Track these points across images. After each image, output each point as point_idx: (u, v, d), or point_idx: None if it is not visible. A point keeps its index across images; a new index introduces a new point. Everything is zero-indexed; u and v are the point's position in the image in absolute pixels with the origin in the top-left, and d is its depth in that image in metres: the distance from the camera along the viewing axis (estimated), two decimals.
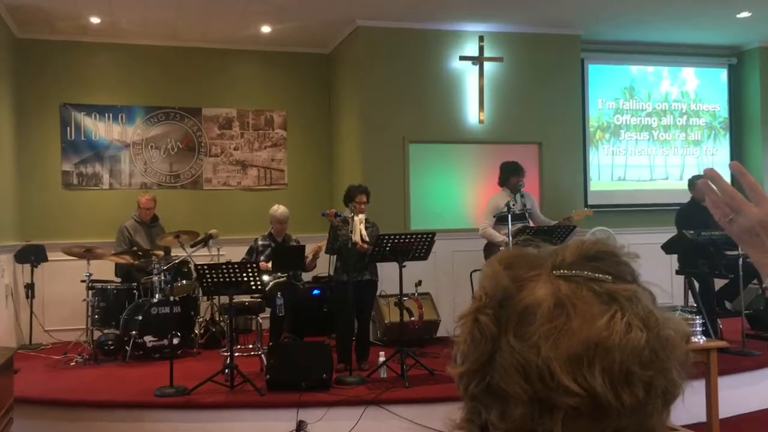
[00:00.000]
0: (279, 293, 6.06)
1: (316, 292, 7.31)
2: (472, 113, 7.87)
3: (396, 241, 5.69)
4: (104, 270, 7.19)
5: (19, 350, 6.41)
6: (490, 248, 6.84)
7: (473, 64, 7.86)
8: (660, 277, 0.77)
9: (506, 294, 0.78)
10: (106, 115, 8.21)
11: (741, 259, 6.11)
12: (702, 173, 1.12)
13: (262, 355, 5.89)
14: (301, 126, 8.81)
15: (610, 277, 0.77)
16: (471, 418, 0.80)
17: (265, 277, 6.21)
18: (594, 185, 8.70)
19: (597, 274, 0.77)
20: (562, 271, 0.78)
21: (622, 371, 0.72)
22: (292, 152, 8.79)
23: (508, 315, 0.77)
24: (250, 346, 6.34)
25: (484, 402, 0.78)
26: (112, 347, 6.51)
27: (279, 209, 6.77)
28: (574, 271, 0.78)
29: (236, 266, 5.44)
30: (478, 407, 0.79)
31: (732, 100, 9.28)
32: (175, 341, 6.24)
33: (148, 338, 6.47)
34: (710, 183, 1.11)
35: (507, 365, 0.75)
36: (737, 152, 9.24)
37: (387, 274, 6.34)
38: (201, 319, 7.25)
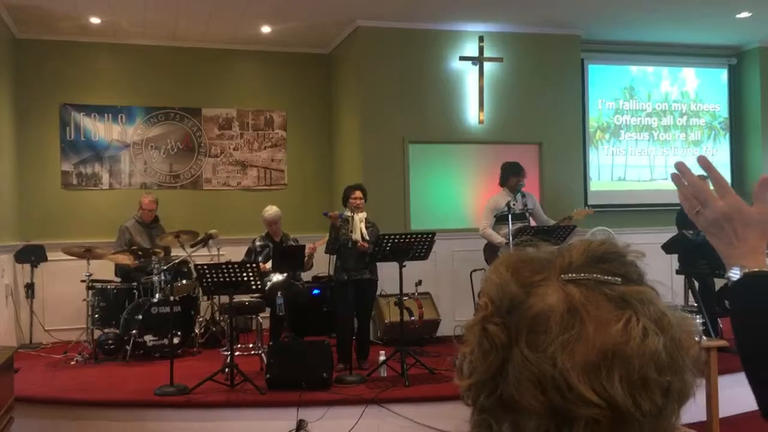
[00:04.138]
0: (279, 293, 6.06)
1: (316, 291, 7.31)
2: (472, 113, 7.88)
3: (396, 241, 5.69)
4: (104, 270, 7.19)
5: (20, 350, 6.40)
6: (490, 249, 6.84)
7: (473, 64, 7.86)
8: (660, 277, 0.78)
9: (514, 301, 0.75)
10: (106, 115, 8.21)
11: None
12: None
13: (263, 355, 5.89)
14: (301, 126, 8.81)
15: (619, 279, 0.75)
16: (481, 430, 0.76)
17: (277, 276, 6.22)
18: (594, 185, 8.70)
19: (606, 277, 0.75)
20: (570, 274, 0.75)
21: (641, 378, 0.70)
22: (292, 152, 8.79)
23: (518, 323, 0.74)
24: (251, 345, 6.35)
25: (494, 414, 0.74)
26: (112, 346, 6.52)
27: (269, 211, 6.72)
28: (582, 274, 0.75)
29: (236, 266, 5.45)
30: (488, 419, 0.75)
31: (732, 100, 9.28)
32: (176, 340, 6.25)
33: (148, 337, 6.47)
34: (680, 176, 1.15)
35: (521, 377, 0.71)
36: (737, 152, 9.25)
37: (387, 274, 6.34)
38: (201, 319, 7.26)
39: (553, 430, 0.71)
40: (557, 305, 0.73)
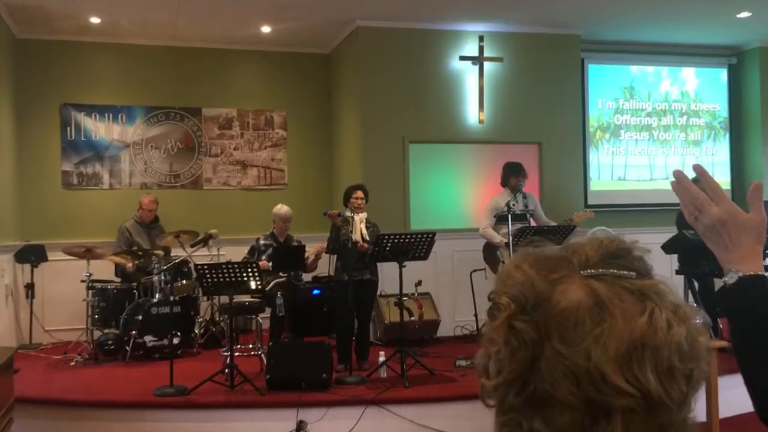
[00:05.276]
0: (279, 293, 6.06)
1: (316, 292, 7.31)
2: (472, 113, 7.87)
3: (396, 241, 5.69)
4: (104, 270, 7.19)
5: (19, 350, 6.39)
6: (489, 248, 6.84)
7: (473, 64, 7.85)
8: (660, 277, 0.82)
9: (540, 298, 0.76)
10: (106, 115, 8.21)
11: None
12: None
13: (262, 355, 5.89)
14: (301, 126, 8.81)
15: (634, 274, 0.78)
16: (511, 430, 0.77)
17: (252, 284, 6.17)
18: (594, 185, 8.69)
19: (622, 271, 0.78)
20: (590, 270, 0.78)
21: (669, 367, 0.73)
22: (292, 152, 8.79)
23: (545, 319, 0.75)
24: (250, 345, 6.34)
25: (524, 412, 0.75)
26: (112, 347, 6.51)
27: (283, 208, 6.78)
28: (601, 270, 0.77)
29: (236, 266, 5.45)
30: (517, 418, 0.76)
31: (732, 100, 9.28)
32: (175, 341, 6.24)
33: (148, 338, 6.46)
34: (678, 184, 1.19)
35: (555, 372, 0.73)
36: (737, 152, 9.24)
37: (387, 274, 6.34)
38: (201, 319, 7.25)
39: (589, 422, 0.73)
40: (584, 300, 0.75)
